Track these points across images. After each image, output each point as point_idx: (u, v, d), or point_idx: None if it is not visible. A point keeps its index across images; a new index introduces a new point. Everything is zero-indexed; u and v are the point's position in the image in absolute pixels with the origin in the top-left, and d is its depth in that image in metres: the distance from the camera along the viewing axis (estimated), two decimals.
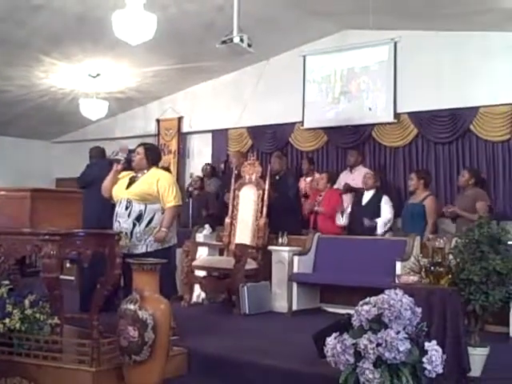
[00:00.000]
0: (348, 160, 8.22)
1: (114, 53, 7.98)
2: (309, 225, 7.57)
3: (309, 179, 8.23)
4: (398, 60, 8.13)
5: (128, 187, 5.13)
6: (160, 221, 5.05)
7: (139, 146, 5.37)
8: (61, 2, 6.58)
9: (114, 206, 5.24)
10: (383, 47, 8.25)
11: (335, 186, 7.80)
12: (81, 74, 8.84)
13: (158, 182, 5.07)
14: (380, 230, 7.01)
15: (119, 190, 5.17)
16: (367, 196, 7.26)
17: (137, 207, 5.03)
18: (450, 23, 7.27)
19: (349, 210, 7.38)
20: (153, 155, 5.29)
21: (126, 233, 4.96)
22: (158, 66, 8.69)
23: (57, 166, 11.67)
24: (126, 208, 5.04)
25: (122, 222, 5.03)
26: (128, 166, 5.34)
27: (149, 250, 4.99)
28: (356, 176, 7.86)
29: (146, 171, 5.19)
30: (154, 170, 5.23)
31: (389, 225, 7.08)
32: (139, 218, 5.02)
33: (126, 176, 5.24)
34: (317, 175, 7.99)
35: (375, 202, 7.16)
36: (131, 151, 5.65)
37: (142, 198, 5.03)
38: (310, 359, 4.19)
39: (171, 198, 5.07)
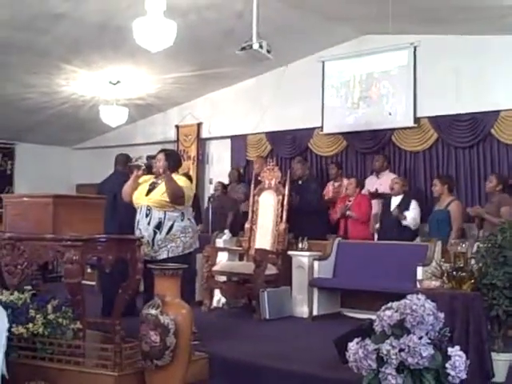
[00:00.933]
0: (374, 165, 8.17)
1: (134, 60, 8.05)
2: (338, 230, 7.49)
3: (337, 184, 8.21)
4: (418, 64, 8.10)
5: (148, 194, 5.16)
6: (180, 228, 5.07)
7: (160, 151, 5.39)
8: (82, 10, 6.64)
9: (132, 213, 5.28)
10: (402, 52, 8.22)
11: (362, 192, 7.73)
12: (101, 81, 8.92)
13: None
14: (410, 223, 6.90)
15: (139, 196, 5.19)
16: (395, 201, 7.13)
17: (156, 214, 5.04)
18: (470, 27, 7.23)
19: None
20: (173, 161, 5.30)
21: (148, 241, 4.98)
22: (177, 72, 8.74)
23: (77, 172, 11.78)
24: (146, 215, 5.06)
25: (143, 230, 5.04)
26: (148, 172, 5.37)
27: (170, 255, 5.00)
28: (383, 181, 7.80)
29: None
30: (173, 176, 5.25)
31: (416, 226, 6.98)
32: (159, 225, 5.03)
33: (147, 181, 5.26)
34: (345, 180, 7.95)
35: (404, 208, 7.04)
36: (152, 157, 5.68)
37: (161, 205, 5.04)
38: (331, 364, 4.18)
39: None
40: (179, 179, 5.24)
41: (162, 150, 5.44)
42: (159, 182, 5.20)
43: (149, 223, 5.04)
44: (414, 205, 7.04)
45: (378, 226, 7.29)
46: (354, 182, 7.56)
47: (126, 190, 5.28)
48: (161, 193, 5.09)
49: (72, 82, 8.89)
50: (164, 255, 5.01)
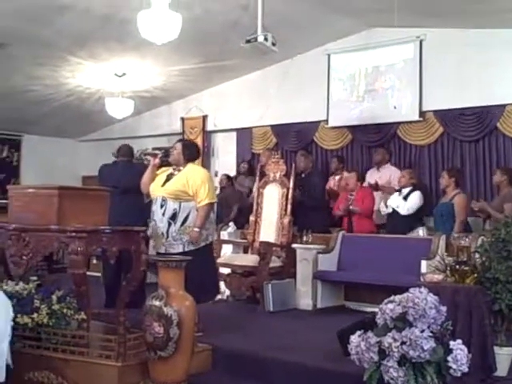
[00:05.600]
0: (374, 158, 8.18)
1: (139, 52, 8.05)
2: (342, 225, 7.37)
3: (338, 177, 8.19)
4: (424, 58, 8.08)
5: (164, 184, 5.10)
6: (195, 219, 5.00)
7: (178, 141, 5.37)
8: (87, 2, 6.66)
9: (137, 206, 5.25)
10: (408, 45, 8.20)
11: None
12: (107, 74, 8.93)
13: (192, 179, 5.01)
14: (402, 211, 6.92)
15: (155, 187, 5.14)
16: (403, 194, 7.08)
17: (171, 205, 4.97)
18: (476, 20, 7.20)
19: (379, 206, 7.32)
20: (190, 152, 5.21)
21: (163, 232, 4.97)
22: (182, 65, 8.75)
23: (83, 164, 11.78)
24: (161, 206, 5.01)
25: (158, 221, 5.01)
26: (166, 160, 5.31)
27: (186, 249, 4.93)
28: (383, 174, 7.81)
29: (182, 168, 5.14)
30: (189, 166, 5.16)
31: (409, 212, 6.95)
32: (174, 216, 4.97)
33: (164, 172, 5.21)
34: (346, 174, 7.87)
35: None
36: (167, 149, 5.63)
37: (176, 196, 4.98)
38: (334, 357, 4.19)
39: (204, 196, 4.97)
40: (198, 171, 5.20)
41: (180, 140, 5.41)
42: (176, 173, 5.13)
43: (163, 214, 4.98)
44: (414, 194, 6.97)
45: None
46: (354, 176, 7.45)
47: (144, 181, 5.24)
48: (176, 183, 5.03)
49: (77, 74, 8.90)
50: (179, 249, 4.95)
